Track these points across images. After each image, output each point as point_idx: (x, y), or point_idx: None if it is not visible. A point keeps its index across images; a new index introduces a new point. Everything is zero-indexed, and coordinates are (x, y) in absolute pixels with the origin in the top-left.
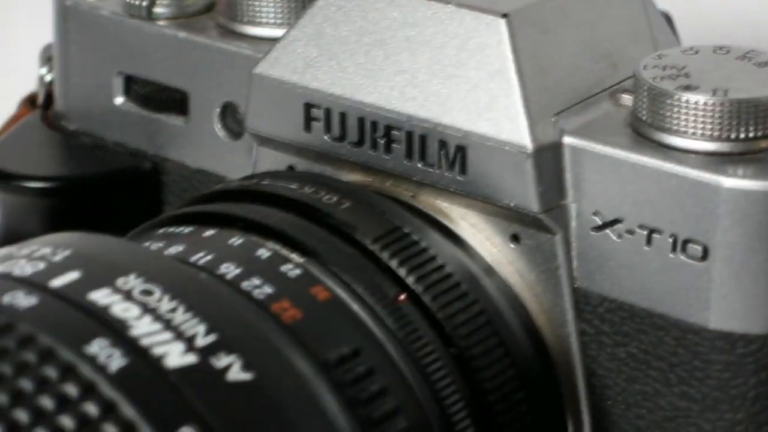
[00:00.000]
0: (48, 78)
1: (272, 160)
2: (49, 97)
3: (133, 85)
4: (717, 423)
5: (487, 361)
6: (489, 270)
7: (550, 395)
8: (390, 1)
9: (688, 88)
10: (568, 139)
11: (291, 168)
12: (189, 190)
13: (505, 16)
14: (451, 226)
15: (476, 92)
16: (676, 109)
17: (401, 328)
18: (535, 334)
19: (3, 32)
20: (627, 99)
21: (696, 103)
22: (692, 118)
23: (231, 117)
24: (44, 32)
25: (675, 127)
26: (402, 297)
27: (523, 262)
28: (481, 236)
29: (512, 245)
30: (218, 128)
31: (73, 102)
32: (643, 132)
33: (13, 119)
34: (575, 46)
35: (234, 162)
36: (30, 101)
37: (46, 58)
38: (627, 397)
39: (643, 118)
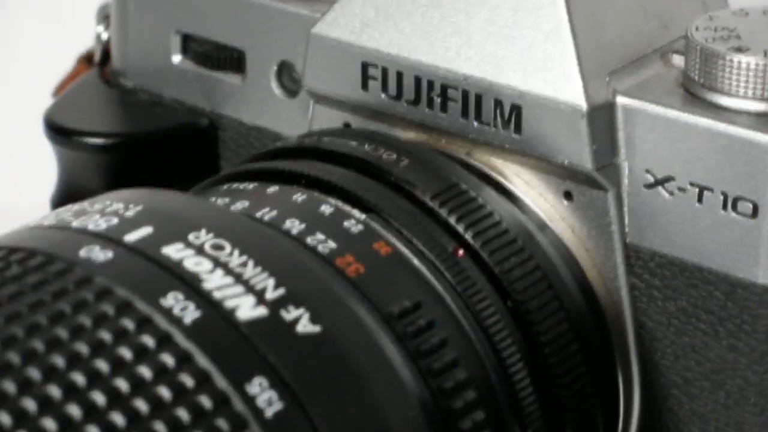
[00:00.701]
0: (104, 36)
1: (328, 118)
2: (105, 55)
3: (190, 44)
4: (764, 375)
5: (543, 314)
6: (542, 226)
7: (601, 347)
8: None
9: (739, 49)
10: (621, 99)
11: (347, 125)
12: (245, 146)
13: None
14: (505, 182)
15: (531, 52)
16: (727, 70)
17: (460, 282)
18: (587, 289)
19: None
20: (678, 59)
21: (747, 64)
22: (743, 79)
23: (287, 75)
24: None
25: (726, 88)
26: (460, 252)
27: (575, 218)
28: (535, 193)
29: (565, 202)
30: (274, 86)
31: (131, 60)
32: (695, 92)
33: (71, 76)
34: (627, 6)
35: (290, 119)
36: (86, 59)
37: (103, 17)
38: (676, 349)
39: (695, 78)
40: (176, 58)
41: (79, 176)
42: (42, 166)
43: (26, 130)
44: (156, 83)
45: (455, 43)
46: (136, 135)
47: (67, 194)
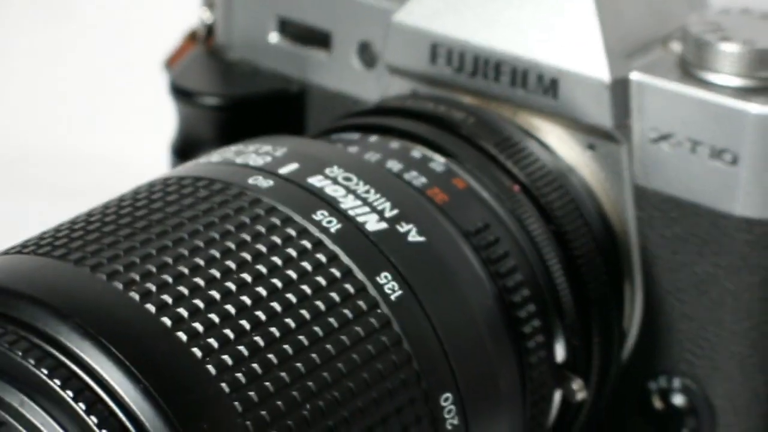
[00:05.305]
0: (208, 18)
1: (399, 86)
2: (209, 33)
3: (286, 26)
4: (738, 284)
5: (576, 235)
6: (571, 170)
7: (615, 262)
8: None
9: (724, 39)
10: (634, 75)
11: (414, 92)
12: (328, 107)
13: None
14: (543, 137)
15: (567, 38)
16: (716, 55)
17: (516, 209)
18: (604, 218)
19: None
20: (676, 45)
21: (731, 51)
22: (727, 61)
23: (366, 52)
24: None
25: (714, 67)
26: (516, 187)
27: (596, 165)
28: (565, 146)
29: (588, 152)
30: (355, 60)
31: (235, 37)
32: (690, 71)
33: (179, 51)
34: (638, 5)
35: (367, 86)
36: (191, 36)
37: (209, 3)
38: (671, 265)
39: (690, 60)
40: (273, 37)
41: (195, 128)
42: (152, 122)
43: (142, 93)
44: (256, 56)
45: (508, 30)
46: (241, 97)
47: (185, 142)
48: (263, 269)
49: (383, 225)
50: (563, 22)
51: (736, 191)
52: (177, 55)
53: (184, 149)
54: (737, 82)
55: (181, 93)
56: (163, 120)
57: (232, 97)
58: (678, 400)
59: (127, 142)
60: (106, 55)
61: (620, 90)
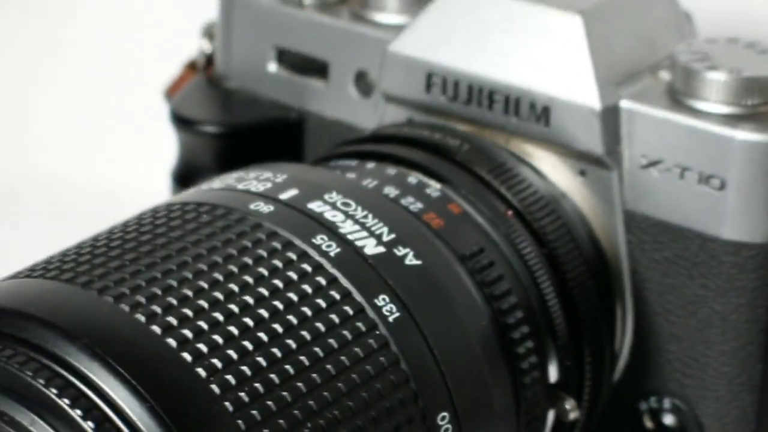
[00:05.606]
0: (207, 48)
1: (395, 114)
2: (208, 63)
3: (284, 56)
4: (726, 306)
5: (568, 258)
6: (563, 195)
7: (606, 285)
8: (494, 2)
9: (711, 67)
10: (624, 103)
11: (410, 120)
12: (326, 135)
13: (581, 12)
14: (535, 163)
15: (559, 67)
16: (703, 83)
17: (510, 234)
18: (596, 242)
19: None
20: (665, 74)
21: (718, 79)
22: (715, 89)
23: (362, 81)
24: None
25: (701, 95)
26: (509, 212)
27: (587, 191)
28: (557, 172)
29: (580, 178)
30: (351, 89)
31: (234, 67)
32: (678, 98)
33: (179, 80)
34: (627, 36)
35: (363, 114)
36: (191, 66)
37: (208, 33)
38: (660, 287)
39: (679, 88)
40: (272, 67)
41: (195, 156)
42: (152, 150)
43: (142, 121)
44: (254, 85)
45: (500, 60)
46: (240, 125)
47: (186, 169)
48: (265, 292)
49: (381, 249)
50: (554, 52)
51: (723, 215)
52: (177, 84)
53: (185, 176)
54: (724, 109)
55: (181, 121)
56: (164, 148)
57: (231, 126)
58: (668, 419)
59: (129, 169)
60: (107, 85)
61: (610, 117)
